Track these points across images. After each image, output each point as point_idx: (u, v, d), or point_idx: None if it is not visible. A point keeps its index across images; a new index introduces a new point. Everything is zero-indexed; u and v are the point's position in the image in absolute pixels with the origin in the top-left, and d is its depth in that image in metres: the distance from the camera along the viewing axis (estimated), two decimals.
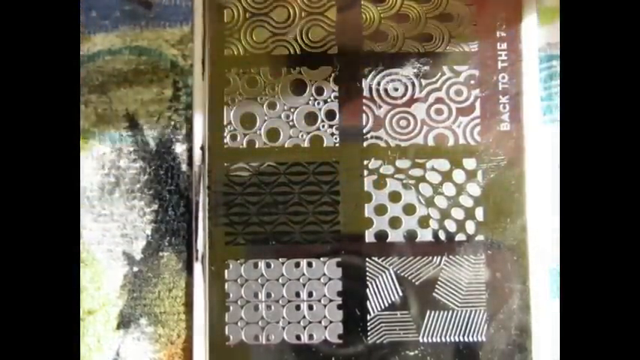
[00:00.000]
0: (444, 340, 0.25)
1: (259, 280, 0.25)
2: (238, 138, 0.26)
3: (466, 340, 0.25)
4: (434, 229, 0.25)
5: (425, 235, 0.25)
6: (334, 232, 0.25)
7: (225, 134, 0.26)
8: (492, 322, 0.25)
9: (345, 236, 0.25)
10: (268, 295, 0.25)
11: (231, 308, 0.25)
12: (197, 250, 0.26)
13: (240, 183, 0.26)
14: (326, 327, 0.25)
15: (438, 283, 0.25)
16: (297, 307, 0.25)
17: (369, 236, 0.25)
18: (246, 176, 0.26)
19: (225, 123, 0.26)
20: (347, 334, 0.25)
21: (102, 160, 0.26)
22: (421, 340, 0.25)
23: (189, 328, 0.26)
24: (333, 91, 0.26)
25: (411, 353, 0.25)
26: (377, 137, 0.26)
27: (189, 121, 0.26)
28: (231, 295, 0.25)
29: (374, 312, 0.25)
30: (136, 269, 0.26)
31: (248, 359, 0.25)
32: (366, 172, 0.26)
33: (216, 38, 0.26)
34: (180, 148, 0.26)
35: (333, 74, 0.26)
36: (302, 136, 0.26)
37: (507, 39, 0.26)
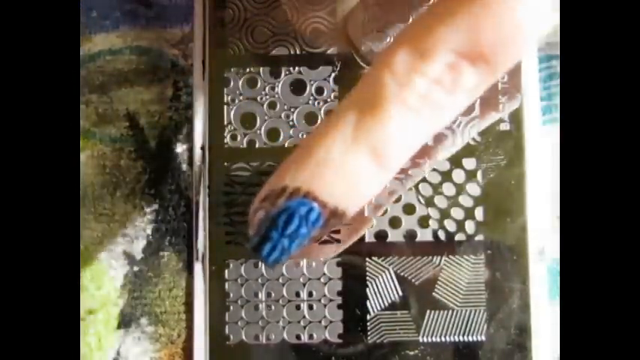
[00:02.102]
0: (443, 339, 0.25)
1: (259, 280, 0.25)
2: (238, 138, 0.26)
3: (466, 339, 0.25)
4: (434, 228, 0.25)
5: (425, 235, 0.25)
6: (334, 231, 0.25)
7: (225, 134, 0.26)
8: (492, 322, 0.25)
9: None
10: (268, 295, 0.25)
11: (231, 308, 0.25)
12: (197, 250, 0.26)
13: (241, 183, 0.26)
14: (326, 327, 0.25)
15: (438, 282, 0.25)
16: (297, 307, 0.25)
17: (369, 236, 0.25)
18: (246, 176, 0.26)
19: (225, 123, 0.26)
20: (347, 333, 0.25)
21: (102, 160, 0.26)
22: (421, 340, 0.25)
23: (190, 327, 0.26)
24: (333, 91, 0.26)
25: (411, 353, 0.25)
26: None
27: (189, 120, 0.26)
28: (231, 295, 0.25)
29: (374, 312, 0.25)
30: (136, 269, 0.26)
31: (248, 359, 0.25)
32: None
33: (216, 38, 0.26)
34: (180, 148, 0.26)
35: (333, 74, 0.26)
36: (302, 136, 0.26)
37: None
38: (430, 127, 0.19)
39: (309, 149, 0.19)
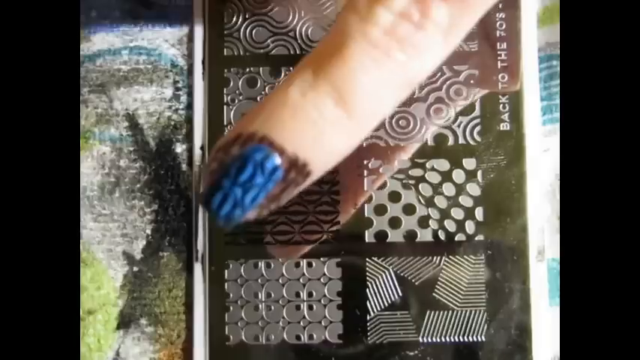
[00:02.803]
0: (443, 340, 0.25)
1: (259, 280, 0.25)
2: None
3: (466, 340, 0.25)
4: (434, 229, 0.25)
5: (425, 235, 0.25)
6: (334, 232, 0.25)
7: (225, 134, 0.26)
8: (492, 322, 0.25)
9: (345, 236, 0.25)
10: (268, 295, 0.25)
11: (231, 308, 0.25)
12: (197, 250, 0.26)
13: None
14: (326, 327, 0.25)
15: (438, 283, 0.25)
16: (297, 307, 0.25)
17: (369, 236, 0.25)
18: None
19: (225, 123, 0.26)
20: (347, 334, 0.25)
21: (102, 160, 0.26)
22: (421, 340, 0.25)
23: (190, 328, 0.26)
24: None
25: (411, 353, 0.25)
26: (377, 137, 0.26)
27: (189, 120, 0.26)
28: (231, 295, 0.25)
29: (374, 312, 0.25)
30: (136, 269, 0.26)
31: (248, 359, 0.25)
32: (366, 172, 0.26)
33: (216, 38, 0.26)
34: (180, 148, 0.26)
35: None
36: None
37: (507, 39, 0.26)
38: (403, 71, 0.17)
39: (267, 97, 0.17)
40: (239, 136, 0.17)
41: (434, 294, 0.25)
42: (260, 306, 0.25)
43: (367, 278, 0.25)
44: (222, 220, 0.17)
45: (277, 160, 0.17)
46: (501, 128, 0.26)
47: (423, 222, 0.25)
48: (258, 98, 0.26)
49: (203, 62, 0.26)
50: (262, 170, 0.17)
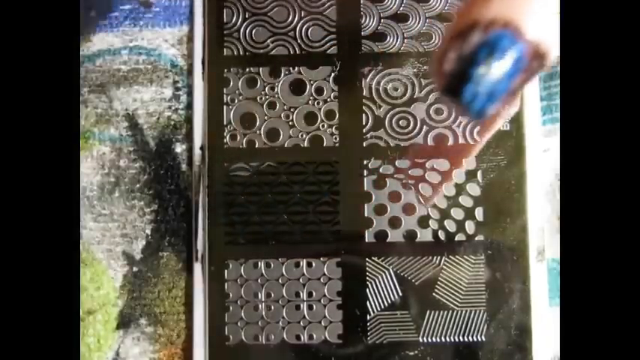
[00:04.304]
0: (443, 340, 0.25)
1: (259, 280, 0.25)
2: (238, 138, 0.26)
3: (466, 340, 0.25)
4: (434, 229, 0.25)
5: (425, 235, 0.25)
6: (334, 232, 0.25)
7: (224, 134, 0.26)
8: (492, 322, 0.25)
9: (345, 236, 0.25)
10: (268, 295, 0.25)
11: (231, 308, 0.25)
12: (197, 250, 0.26)
13: (240, 183, 0.26)
14: (326, 327, 0.25)
15: (438, 283, 0.25)
16: (297, 307, 0.25)
17: (369, 236, 0.25)
18: (246, 176, 0.26)
19: (224, 123, 0.26)
20: (347, 334, 0.25)
21: (102, 160, 0.26)
22: (421, 340, 0.25)
23: (189, 328, 0.26)
24: (333, 91, 0.26)
25: (411, 353, 0.25)
26: (377, 137, 0.26)
27: (189, 121, 0.26)
28: (230, 295, 0.25)
29: (374, 312, 0.25)
30: (135, 269, 0.26)
31: (248, 359, 0.25)
32: (366, 172, 0.26)
33: (215, 38, 0.26)
34: (180, 148, 0.26)
35: (332, 74, 0.26)
36: (302, 136, 0.26)
37: None
38: None
39: None
40: (476, 23, 0.15)
41: (434, 294, 0.25)
42: (260, 306, 0.25)
43: (367, 278, 0.25)
44: (474, 114, 0.16)
45: (524, 46, 0.15)
46: (501, 128, 0.26)
47: (423, 222, 0.25)
48: (258, 98, 0.26)
49: (203, 62, 0.26)
50: (509, 58, 0.15)
